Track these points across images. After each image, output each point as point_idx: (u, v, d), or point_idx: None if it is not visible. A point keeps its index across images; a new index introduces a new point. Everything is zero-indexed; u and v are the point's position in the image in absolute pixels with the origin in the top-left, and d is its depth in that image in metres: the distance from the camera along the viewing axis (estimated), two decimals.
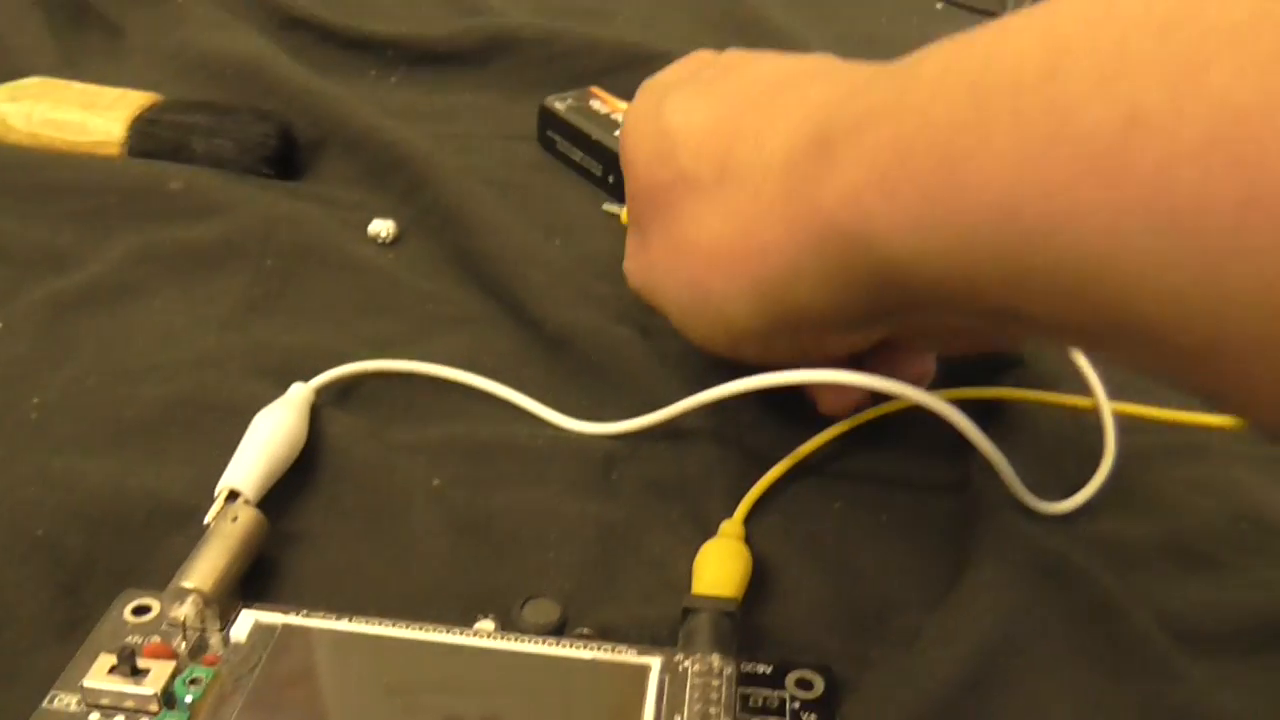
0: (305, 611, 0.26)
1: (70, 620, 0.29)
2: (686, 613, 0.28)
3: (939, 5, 0.72)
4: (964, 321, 0.31)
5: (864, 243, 0.26)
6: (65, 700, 0.26)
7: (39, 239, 0.44)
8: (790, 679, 0.28)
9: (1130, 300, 0.21)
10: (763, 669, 0.28)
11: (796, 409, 0.37)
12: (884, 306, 0.28)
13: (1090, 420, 0.37)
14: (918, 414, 0.34)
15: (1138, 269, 0.20)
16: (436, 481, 0.35)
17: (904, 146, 0.24)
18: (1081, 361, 0.37)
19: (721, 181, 0.31)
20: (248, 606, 0.27)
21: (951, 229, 0.23)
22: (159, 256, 0.44)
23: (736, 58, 0.36)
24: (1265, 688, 0.30)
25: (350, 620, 0.26)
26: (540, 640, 0.26)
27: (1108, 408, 0.37)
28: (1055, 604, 0.30)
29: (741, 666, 0.28)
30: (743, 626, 0.29)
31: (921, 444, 0.37)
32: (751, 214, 0.30)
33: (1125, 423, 0.37)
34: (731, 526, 0.33)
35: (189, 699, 0.25)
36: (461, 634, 0.26)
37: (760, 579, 0.32)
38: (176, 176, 0.47)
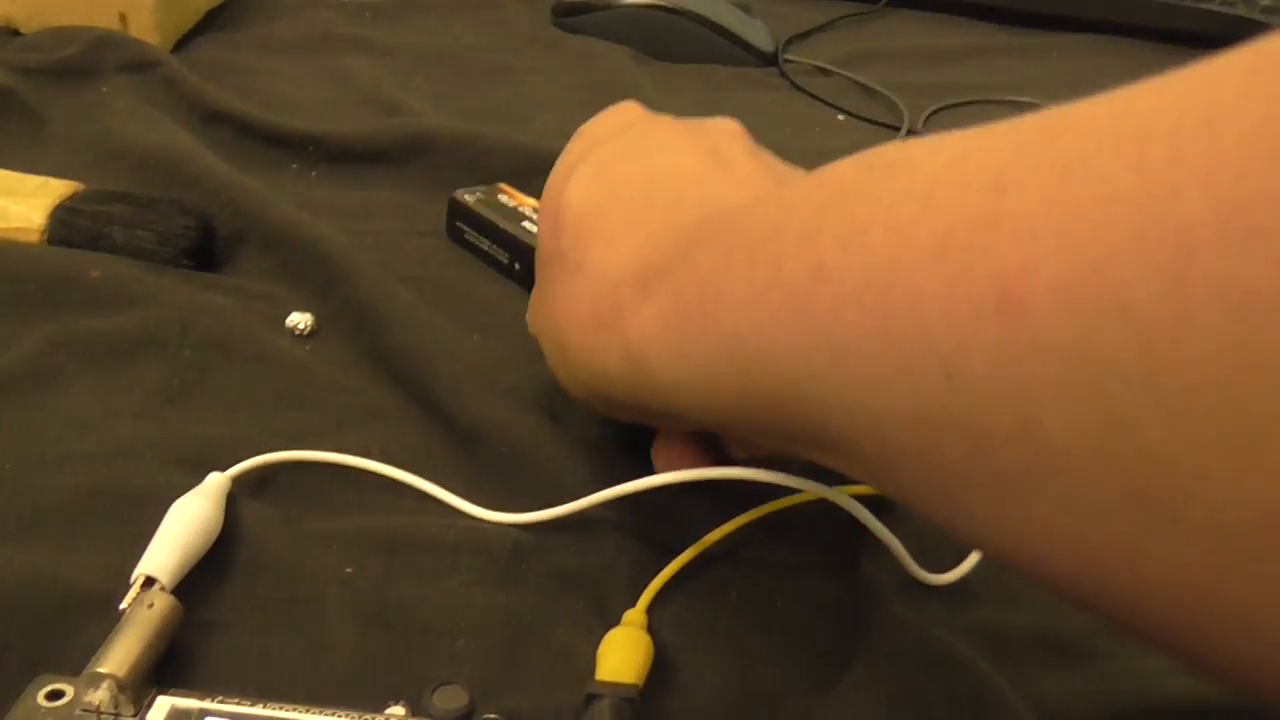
0: (220, 697, 0.27)
1: None
2: (589, 699, 0.30)
3: (840, 117, 0.76)
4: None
5: (645, 368, 0.32)
6: None
7: None
8: None
9: (829, 419, 0.25)
10: None
11: (700, 500, 0.39)
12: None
13: None
14: (818, 503, 0.36)
15: (826, 393, 0.25)
16: (349, 570, 0.36)
17: (683, 292, 0.30)
18: None
19: (579, 270, 0.35)
20: (163, 693, 0.28)
21: (702, 359, 0.29)
22: (75, 344, 0.44)
23: (650, 133, 0.40)
24: None
25: (264, 706, 0.27)
26: None
27: None
28: (937, 692, 0.32)
29: None
30: (643, 713, 0.30)
31: (817, 530, 0.39)
32: (591, 311, 0.34)
33: None
34: (634, 615, 0.34)
35: None
36: None
37: (661, 666, 0.33)
38: (96, 265, 0.48)
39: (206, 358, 0.45)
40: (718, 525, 0.38)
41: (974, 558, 0.37)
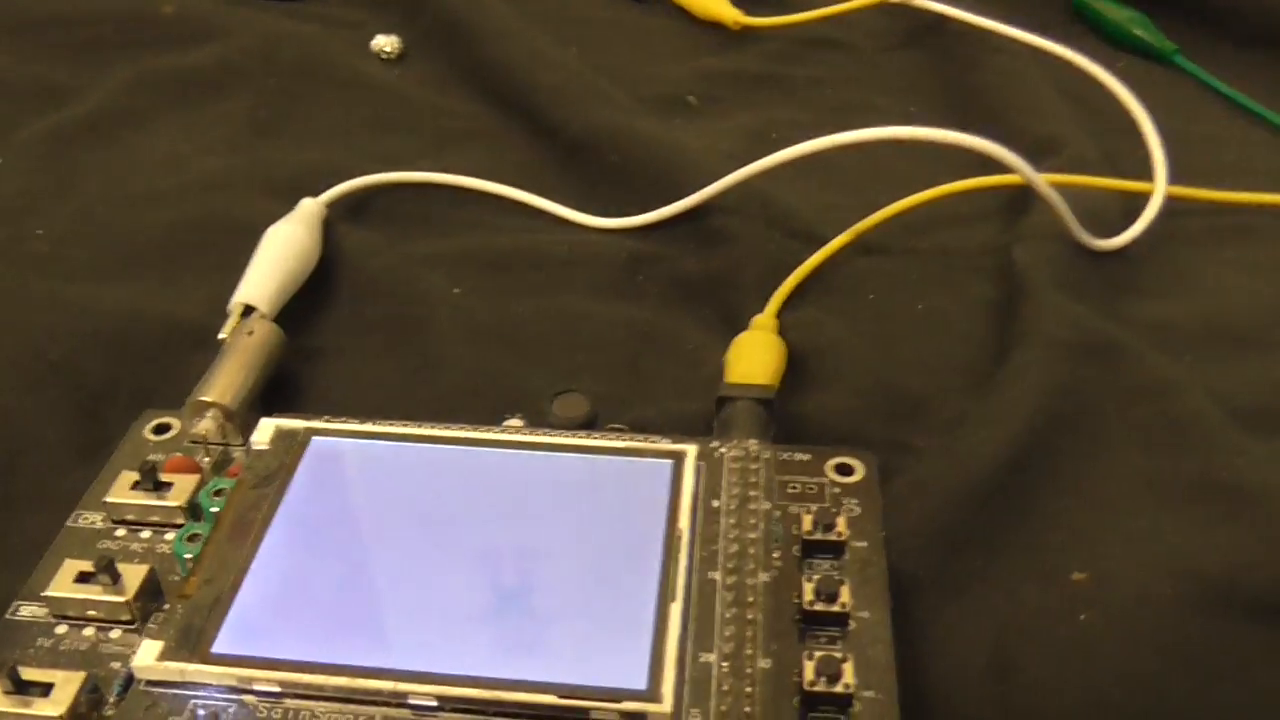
0: (327, 417, 0.26)
1: (93, 443, 0.29)
2: (721, 402, 0.27)
3: None
4: None
5: None
6: (90, 518, 0.26)
7: (36, 73, 0.43)
8: (829, 465, 0.27)
9: None
10: (801, 456, 0.27)
11: (833, 190, 0.35)
12: None
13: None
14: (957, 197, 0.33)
15: None
16: (457, 290, 0.34)
17: None
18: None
19: None
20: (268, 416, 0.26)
21: None
22: (158, 84, 0.42)
23: None
24: None
25: (375, 423, 0.25)
26: (571, 434, 0.25)
27: (1162, 188, 0.35)
28: (1103, 383, 0.29)
29: (779, 454, 0.27)
30: (779, 416, 0.28)
31: (960, 220, 0.35)
32: None
33: (1173, 206, 0.35)
34: (764, 319, 0.31)
35: (215, 510, 0.25)
36: (491, 431, 0.25)
37: (795, 370, 0.31)
38: (169, 1, 0.45)
39: (292, 86, 0.42)
40: (852, 223, 0.35)
41: (1140, 224, 0.33)
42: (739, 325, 0.32)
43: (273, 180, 0.37)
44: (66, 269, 0.34)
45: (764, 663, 0.20)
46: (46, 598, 0.24)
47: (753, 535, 0.22)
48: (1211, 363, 0.31)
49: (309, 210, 0.34)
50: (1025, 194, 0.35)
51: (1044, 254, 0.33)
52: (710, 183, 0.35)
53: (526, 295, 0.34)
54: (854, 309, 0.33)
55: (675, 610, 0.21)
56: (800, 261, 0.34)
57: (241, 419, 0.28)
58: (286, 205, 0.35)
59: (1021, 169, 0.32)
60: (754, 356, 0.29)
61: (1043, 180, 0.32)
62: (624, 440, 0.25)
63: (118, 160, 0.39)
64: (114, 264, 0.34)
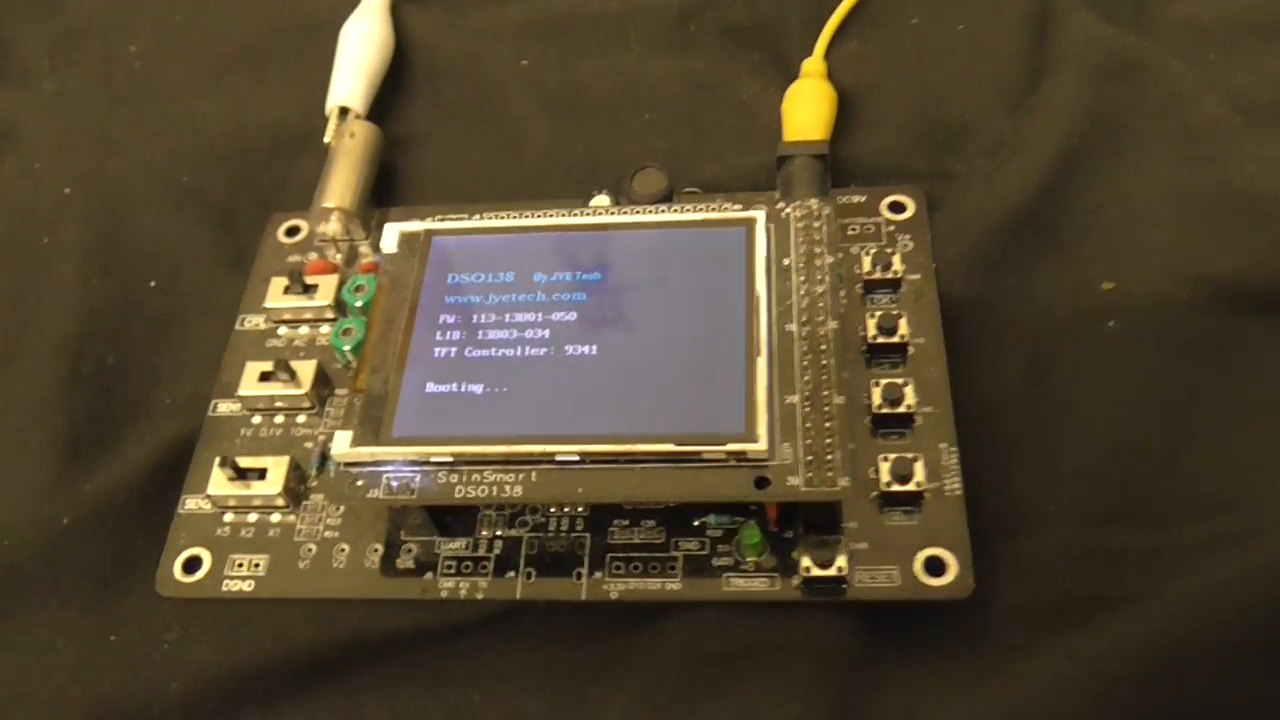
0: (440, 216, 0.29)
1: (234, 252, 0.33)
2: (781, 161, 0.30)
3: None
4: None
5: None
6: (254, 321, 0.30)
7: None
8: (883, 204, 0.30)
9: None
10: (857, 198, 0.31)
11: None
12: None
13: None
14: None
15: None
16: (525, 62, 0.36)
17: None
18: None
19: None
20: (386, 219, 0.30)
21: None
22: None
23: None
24: None
25: (485, 217, 0.29)
26: (653, 209, 0.29)
27: None
28: (1129, 101, 0.31)
29: (837, 199, 0.30)
30: (834, 160, 0.31)
31: None
32: None
33: None
34: (813, 64, 0.34)
35: (359, 304, 0.29)
36: (583, 213, 0.29)
37: (846, 110, 0.33)
38: None
39: None
40: None
41: None
42: (789, 69, 0.34)
43: None
44: (165, 87, 0.37)
45: (839, 398, 0.24)
46: (240, 396, 0.28)
47: (820, 288, 0.26)
48: (1234, 59, 0.33)
49: (378, 1, 0.36)
50: None
51: None
52: None
53: (588, 58, 0.36)
54: (897, 35, 0.35)
55: (761, 363, 0.25)
56: None
57: (361, 215, 0.31)
58: None
59: None
60: (807, 110, 0.32)
61: None
62: (700, 211, 0.28)
63: None
64: (206, 77, 0.37)
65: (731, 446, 0.24)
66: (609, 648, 0.25)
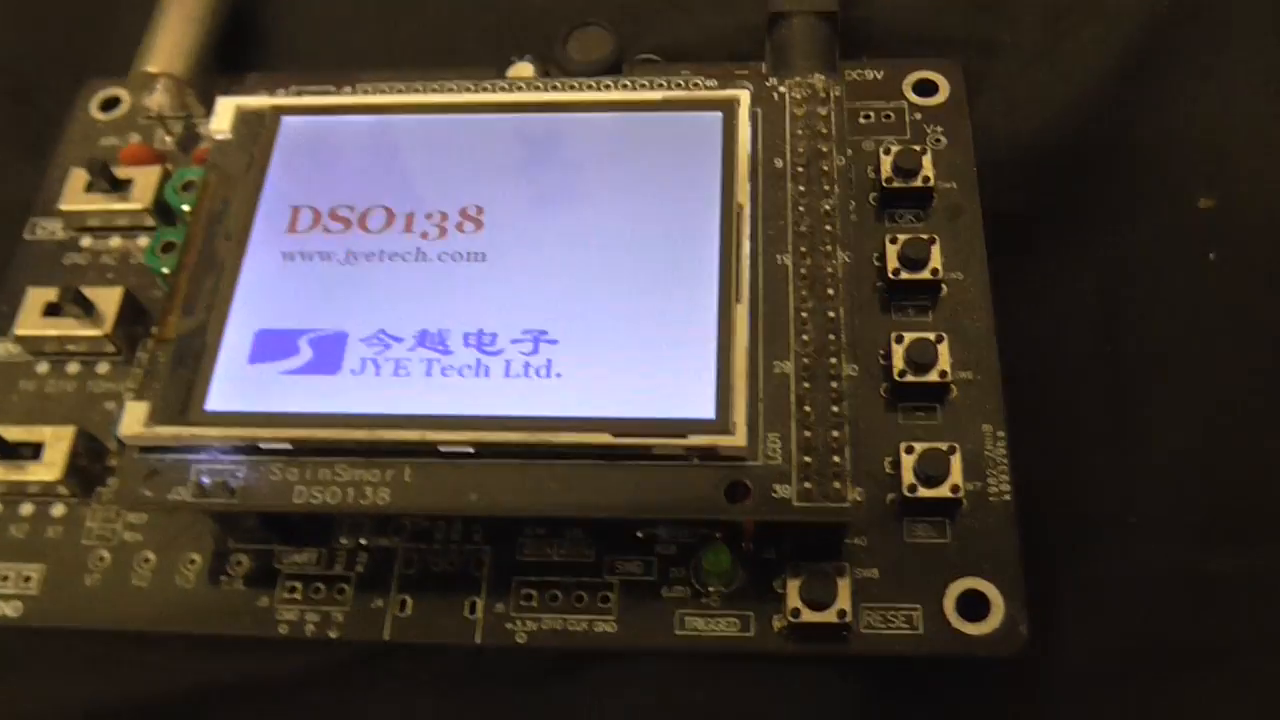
0: (295, 87, 0.21)
1: (34, 130, 0.25)
2: (773, 20, 0.22)
3: None
4: None
5: None
6: (48, 228, 0.22)
7: None
8: (907, 83, 0.23)
9: None
10: (872, 74, 0.23)
11: None
12: None
13: None
14: None
15: None
16: None
17: None
18: None
19: None
20: (226, 89, 0.22)
21: None
22: None
23: None
24: None
25: (356, 92, 0.21)
26: (593, 83, 0.21)
27: None
28: None
29: (848, 75, 0.22)
30: (845, 22, 0.23)
31: None
32: None
33: None
34: None
35: (187, 207, 0.21)
36: (493, 86, 0.21)
37: None
38: None
39: None
40: None
41: None
42: None
43: None
44: None
45: (849, 368, 0.17)
46: (18, 336, 0.21)
47: (827, 205, 0.19)
48: None
49: None
50: None
51: None
52: None
53: None
54: None
55: (741, 312, 0.17)
56: None
57: (200, 84, 0.23)
58: None
59: None
60: None
61: None
62: (659, 88, 0.20)
63: None
64: None
65: (695, 439, 0.16)
66: (521, 701, 0.18)
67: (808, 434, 0.17)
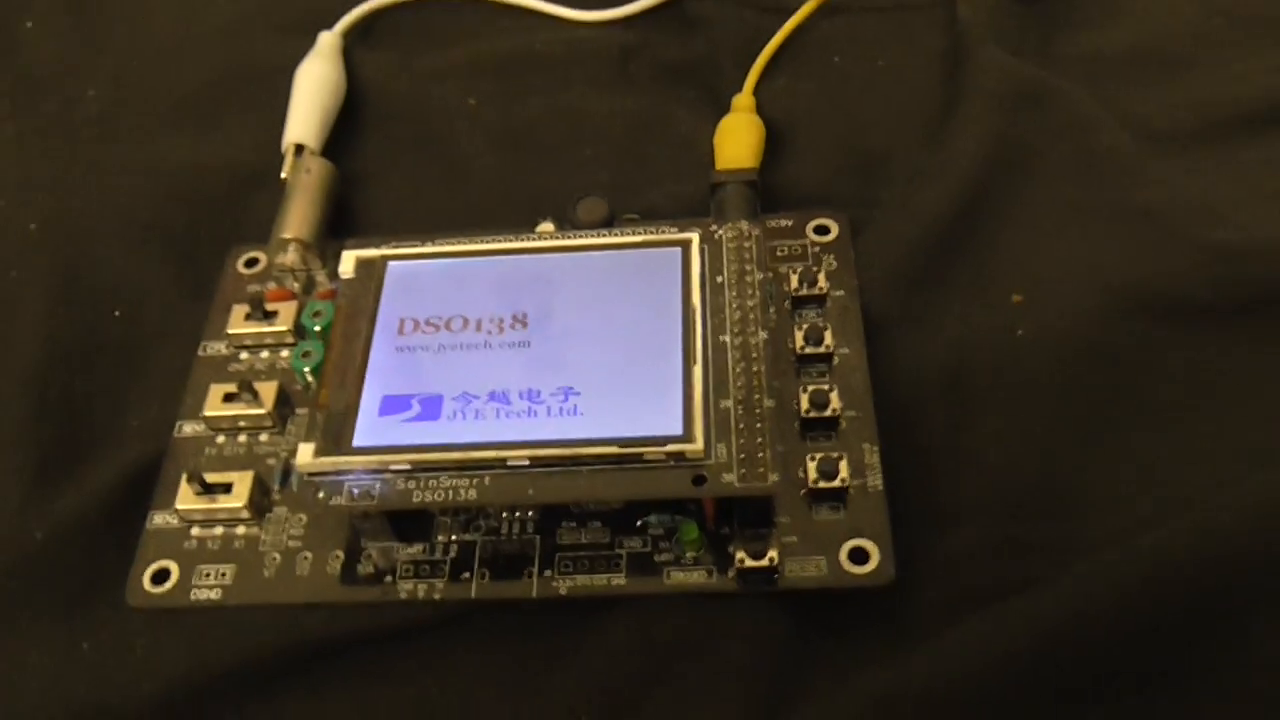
0: (394, 243, 0.31)
1: (196, 284, 0.34)
2: (714, 188, 0.32)
3: None
4: None
5: None
6: (215, 347, 0.32)
7: None
8: (809, 227, 0.32)
9: None
10: (784, 222, 0.33)
11: None
12: None
13: None
14: None
15: None
16: (472, 101, 0.38)
17: None
18: None
19: None
20: (343, 248, 0.32)
21: None
22: None
23: None
24: (1235, 174, 0.33)
25: (437, 244, 0.31)
26: (595, 233, 0.30)
27: None
28: (1035, 128, 0.34)
29: (767, 223, 0.32)
30: (763, 188, 0.33)
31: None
32: None
33: None
34: (743, 99, 0.36)
35: (317, 328, 0.31)
36: (526, 237, 0.31)
37: (775, 141, 0.36)
38: None
39: None
40: None
41: None
42: (722, 104, 0.37)
43: (284, 18, 0.41)
44: (123, 130, 0.38)
45: (769, 402, 0.26)
46: (204, 417, 0.30)
47: (751, 302, 0.28)
48: (1135, 89, 0.35)
49: (329, 43, 0.38)
50: None
51: (985, 4, 0.37)
52: None
53: (532, 96, 0.38)
54: (822, 72, 0.38)
55: (697, 371, 0.27)
56: (773, 34, 0.38)
57: (318, 246, 0.33)
58: (303, 41, 0.39)
59: None
60: (737, 140, 0.34)
61: None
62: (639, 233, 0.30)
63: (135, 12, 0.42)
64: (163, 120, 0.38)
65: (671, 448, 0.25)
66: (559, 640, 0.27)
67: (742, 442, 0.26)
